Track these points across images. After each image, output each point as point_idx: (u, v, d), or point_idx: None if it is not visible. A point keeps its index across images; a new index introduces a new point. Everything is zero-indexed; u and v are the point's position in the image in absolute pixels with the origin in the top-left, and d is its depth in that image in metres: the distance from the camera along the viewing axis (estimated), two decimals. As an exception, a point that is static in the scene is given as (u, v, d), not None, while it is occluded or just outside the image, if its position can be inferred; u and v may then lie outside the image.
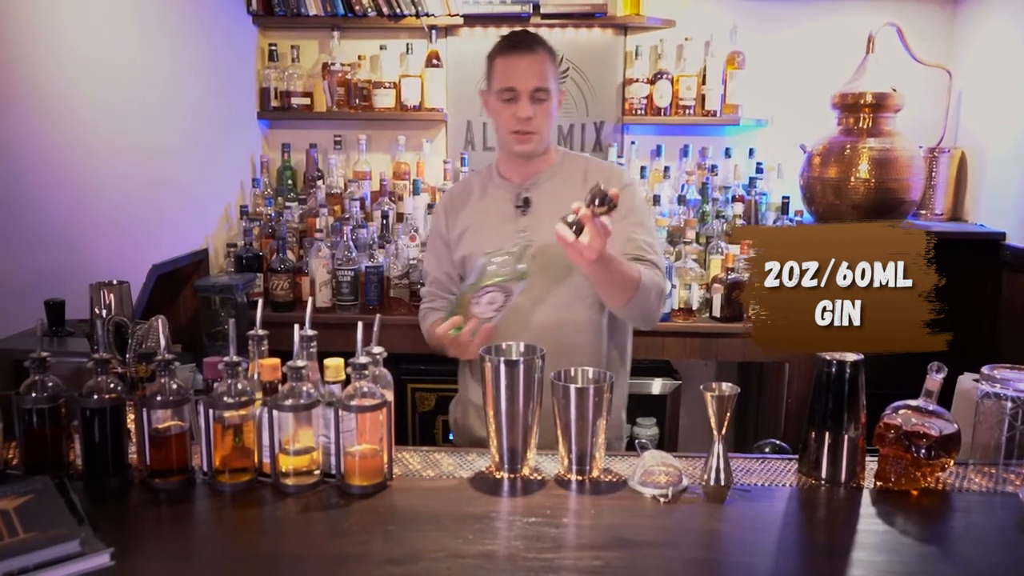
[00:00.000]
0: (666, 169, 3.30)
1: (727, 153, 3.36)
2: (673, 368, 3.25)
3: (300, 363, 1.40)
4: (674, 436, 3.18)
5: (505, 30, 3.33)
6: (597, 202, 1.51)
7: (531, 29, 3.28)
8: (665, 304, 1.87)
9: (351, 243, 2.96)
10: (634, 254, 1.82)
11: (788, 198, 3.15)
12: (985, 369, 1.49)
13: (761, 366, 3.39)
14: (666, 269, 2.81)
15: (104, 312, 1.76)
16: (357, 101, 3.37)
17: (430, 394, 3.11)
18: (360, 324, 1.41)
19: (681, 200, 3.19)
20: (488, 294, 1.55)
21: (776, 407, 3.13)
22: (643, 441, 1.59)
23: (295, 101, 3.38)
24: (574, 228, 1.53)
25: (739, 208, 3.16)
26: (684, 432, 3.26)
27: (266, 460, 1.43)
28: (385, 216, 3.09)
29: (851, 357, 1.46)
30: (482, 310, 1.56)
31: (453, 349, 1.70)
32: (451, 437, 2.17)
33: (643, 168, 3.35)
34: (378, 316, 1.53)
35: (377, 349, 1.48)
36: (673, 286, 2.86)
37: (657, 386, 3.13)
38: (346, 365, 1.42)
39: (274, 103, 3.40)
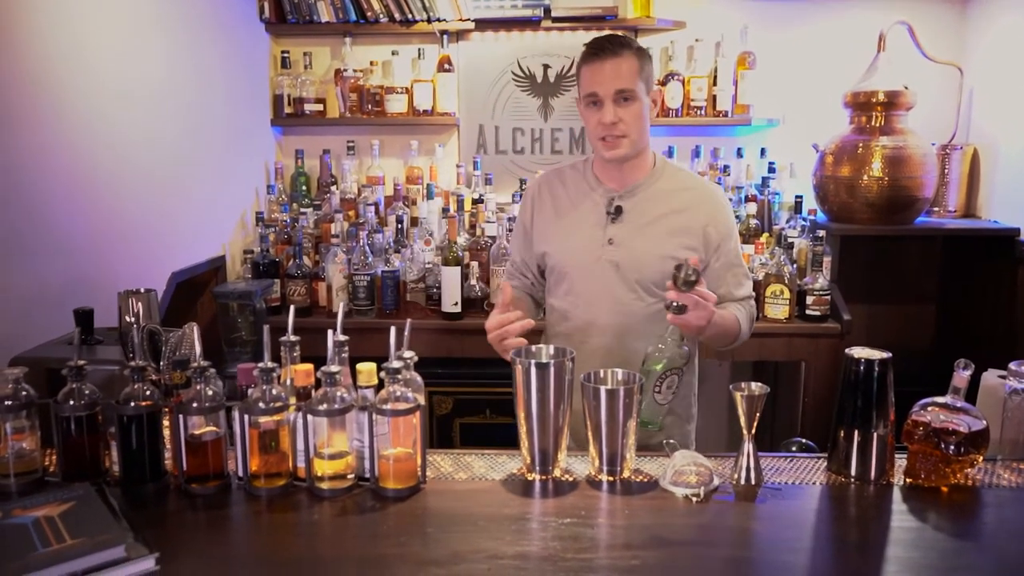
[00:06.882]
0: (678, 170, 3.30)
1: (739, 153, 3.37)
2: (688, 368, 3.25)
3: (334, 368, 1.41)
4: (691, 436, 3.18)
5: (516, 34, 3.37)
6: (685, 284, 1.59)
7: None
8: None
9: (367, 248, 2.97)
10: (732, 293, 1.89)
11: (801, 197, 3.16)
12: (1012, 365, 1.50)
13: (775, 365, 3.40)
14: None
15: (132, 320, 1.77)
16: (370, 107, 3.38)
17: (447, 397, 3.11)
18: (393, 329, 1.43)
19: (694, 201, 3.19)
20: (666, 380, 1.67)
21: (792, 406, 3.13)
22: (672, 442, 1.60)
23: (308, 107, 3.40)
24: (675, 309, 1.60)
25: (752, 208, 3.17)
26: (698, 432, 3.25)
27: (300, 465, 1.44)
28: (400, 220, 3.11)
29: (879, 355, 1.47)
30: (664, 396, 1.67)
31: None
32: None
33: (655, 169, 3.36)
34: (409, 321, 1.54)
35: (408, 353, 1.49)
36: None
37: (673, 386, 3.13)
38: (379, 370, 1.44)
39: (287, 110, 3.41)
